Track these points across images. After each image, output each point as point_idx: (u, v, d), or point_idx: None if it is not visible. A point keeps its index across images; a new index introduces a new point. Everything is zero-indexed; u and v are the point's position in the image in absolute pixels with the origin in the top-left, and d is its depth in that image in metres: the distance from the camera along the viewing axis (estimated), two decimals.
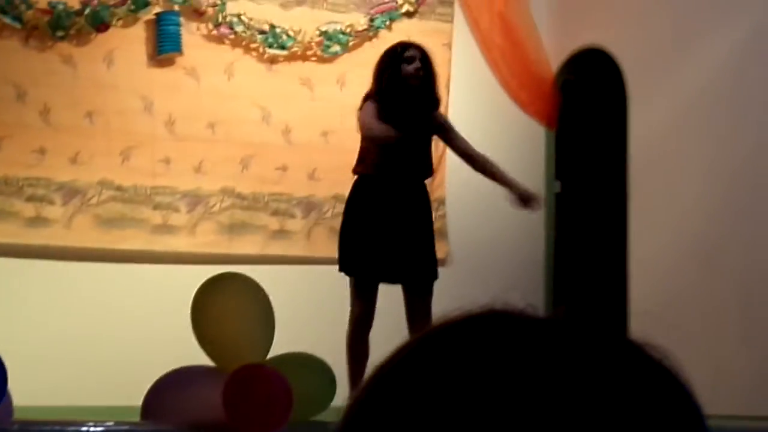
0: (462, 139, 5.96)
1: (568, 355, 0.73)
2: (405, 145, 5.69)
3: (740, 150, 6.93)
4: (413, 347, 0.76)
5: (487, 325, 0.75)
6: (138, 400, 4.65)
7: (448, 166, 7.85)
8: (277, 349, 4.59)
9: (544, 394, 0.71)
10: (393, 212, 5.66)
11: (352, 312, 5.70)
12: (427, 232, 5.77)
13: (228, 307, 4.38)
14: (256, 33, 7.49)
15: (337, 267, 7.47)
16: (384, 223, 5.64)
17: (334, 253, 7.59)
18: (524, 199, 5.87)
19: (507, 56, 7.81)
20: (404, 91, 5.70)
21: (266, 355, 4.38)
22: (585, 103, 8.10)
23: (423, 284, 5.73)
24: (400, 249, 5.64)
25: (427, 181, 7.85)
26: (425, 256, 5.75)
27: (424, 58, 5.80)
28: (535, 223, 7.85)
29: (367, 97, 5.83)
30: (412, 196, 5.75)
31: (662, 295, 7.23)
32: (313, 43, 7.64)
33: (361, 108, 5.81)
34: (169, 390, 4.47)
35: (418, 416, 0.72)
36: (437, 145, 7.78)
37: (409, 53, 5.78)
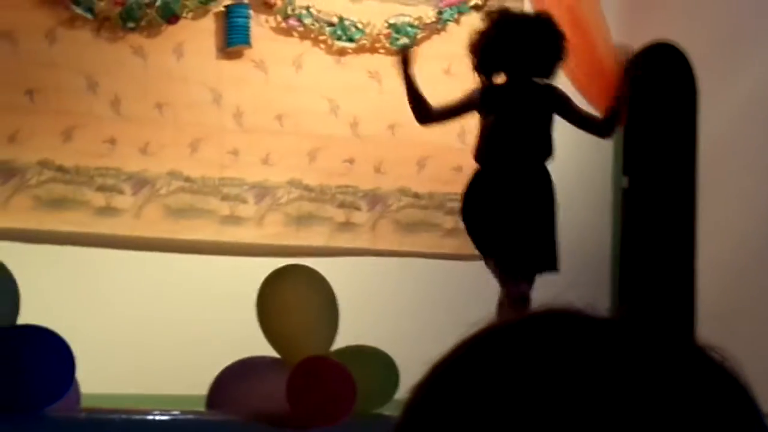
0: (582, 110, 5.77)
1: (625, 356, 0.73)
2: (520, 126, 5.54)
3: None
4: (471, 346, 0.77)
5: (545, 325, 0.76)
6: (203, 390, 4.69)
7: None
8: (341, 342, 4.61)
9: (600, 395, 0.71)
10: (516, 200, 5.50)
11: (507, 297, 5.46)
12: (549, 219, 5.57)
13: (293, 299, 4.41)
14: (325, 25, 7.51)
15: (402, 259, 7.51)
16: (504, 214, 5.47)
17: (399, 245, 7.62)
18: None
19: (576, 50, 7.74)
20: (522, 66, 5.53)
21: (330, 348, 4.40)
22: (654, 99, 8.03)
23: (539, 272, 5.53)
24: (524, 239, 5.47)
25: None
26: (549, 244, 5.56)
27: (540, 24, 5.65)
28: (602, 219, 7.81)
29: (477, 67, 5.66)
30: (532, 180, 5.57)
31: (731, 294, 7.16)
32: (381, 36, 7.65)
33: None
34: (234, 380, 4.50)
35: (474, 415, 0.73)
36: None
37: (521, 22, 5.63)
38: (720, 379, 0.75)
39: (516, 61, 5.58)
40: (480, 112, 5.75)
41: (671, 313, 6.76)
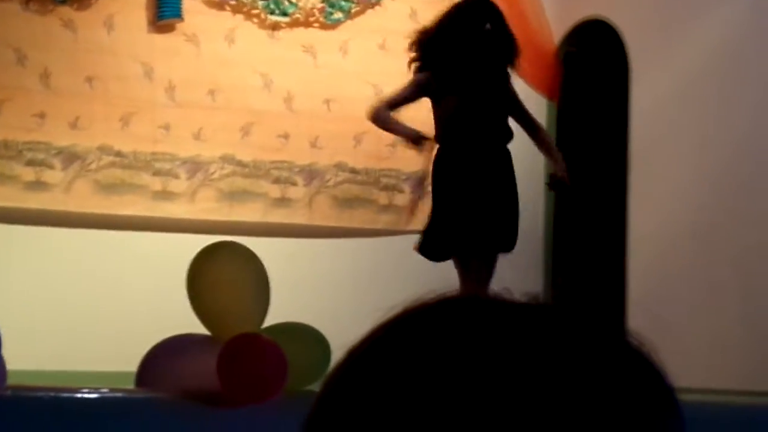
0: (528, 112, 5.86)
1: (538, 341, 0.73)
2: (480, 111, 5.57)
3: (741, 124, 6.91)
4: (385, 331, 0.76)
5: (459, 309, 0.75)
6: (133, 367, 4.65)
7: None
8: (274, 318, 4.59)
9: (511, 380, 0.71)
10: (479, 182, 5.54)
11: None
12: (512, 199, 5.64)
13: (223, 276, 4.38)
14: None
15: (337, 236, 7.48)
16: (473, 194, 5.51)
17: (336, 221, 7.62)
18: (555, 180, 5.83)
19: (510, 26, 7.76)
20: (476, 56, 5.57)
21: (261, 325, 4.38)
22: (587, 76, 8.07)
23: (499, 251, 5.60)
24: (490, 219, 5.52)
25: (426, 159, 7.86)
26: (511, 224, 5.62)
27: (495, 15, 5.67)
28: (534, 196, 7.84)
29: (420, 59, 5.68)
30: (496, 162, 5.62)
31: (661, 270, 7.23)
32: (315, 10, 7.61)
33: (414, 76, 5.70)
34: (164, 358, 4.47)
35: (388, 400, 0.72)
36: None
37: (482, 11, 5.64)
38: (633, 364, 0.75)
39: (481, 48, 5.59)
40: (434, 97, 5.74)
41: (604, 287, 6.85)
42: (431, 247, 5.69)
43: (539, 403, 0.70)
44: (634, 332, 0.78)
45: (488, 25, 5.61)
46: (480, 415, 0.70)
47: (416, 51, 5.76)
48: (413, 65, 5.78)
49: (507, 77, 5.76)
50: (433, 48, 5.69)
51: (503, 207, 5.60)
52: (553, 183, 5.87)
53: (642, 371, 0.75)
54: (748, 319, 6.76)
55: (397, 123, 5.77)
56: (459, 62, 5.59)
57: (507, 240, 5.62)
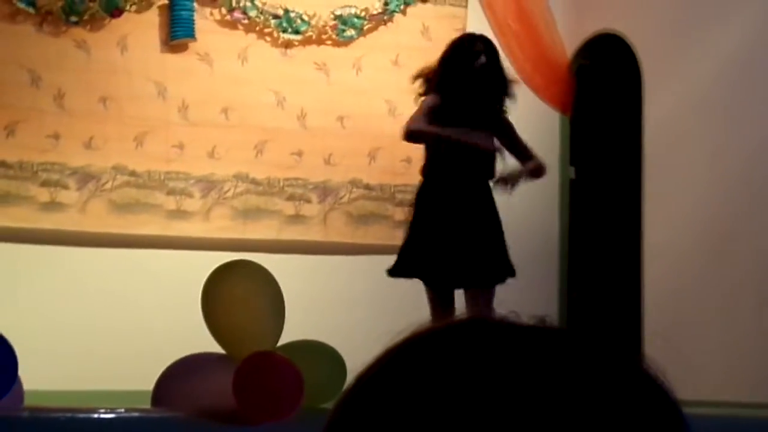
0: (521, 140, 5.86)
1: (544, 366, 0.73)
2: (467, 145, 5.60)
3: (755, 135, 6.89)
4: (393, 356, 0.76)
5: (466, 333, 0.75)
6: (149, 386, 4.66)
7: None
8: (289, 336, 4.59)
9: (519, 403, 0.71)
10: (460, 215, 5.56)
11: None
12: (497, 232, 5.64)
13: (238, 294, 4.38)
14: (270, 18, 7.48)
15: (352, 253, 7.48)
16: (452, 227, 5.53)
17: (350, 238, 7.61)
18: (533, 171, 5.79)
19: (522, 41, 7.78)
20: (470, 88, 5.61)
21: (277, 343, 4.38)
22: (600, 89, 8.07)
23: (490, 284, 5.61)
24: (471, 253, 5.53)
25: None
26: (498, 256, 5.62)
27: (490, 51, 5.72)
28: (549, 209, 7.84)
29: (428, 91, 5.74)
30: (476, 196, 5.64)
31: (677, 280, 7.21)
32: (327, 27, 7.62)
33: (422, 100, 5.72)
34: (180, 377, 4.47)
35: (398, 424, 0.72)
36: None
37: (476, 47, 5.70)
38: (644, 392, 0.75)
39: (480, 85, 5.62)
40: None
41: (617, 301, 6.82)
42: (398, 265, 5.70)
43: (544, 429, 0.70)
44: (648, 358, 0.78)
45: (482, 59, 5.62)
46: None
47: (421, 85, 5.80)
48: (420, 99, 5.81)
49: (500, 110, 5.75)
50: (434, 81, 5.72)
51: (482, 242, 5.60)
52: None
53: (653, 399, 0.75)
54: (763, 328, 6.74)
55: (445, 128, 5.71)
56: (453, 96, 5.61)
57: (487, 274, 5.61)
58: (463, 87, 5.62)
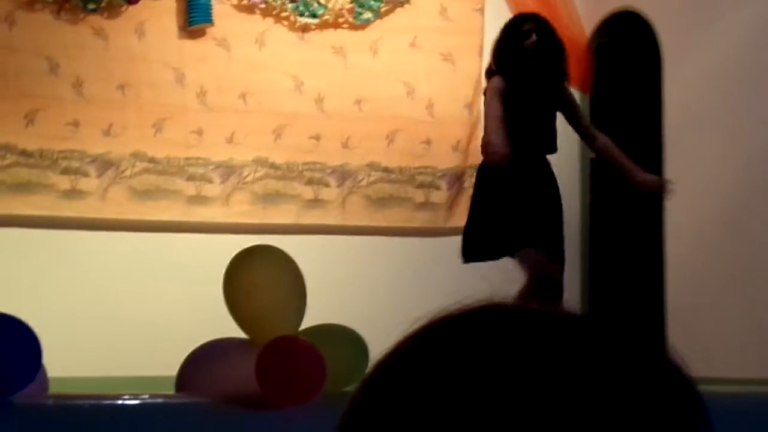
0: (585, 117, 5.90)
1: (563, 351, 0.72)
2: (532, 121, 5.61)
3: None
4: (411, 343, 0.77)
5: (484, 320, 0.75)
6: (173, 371, 4.67)
7: (482, 132, 7.82)
8: (311, 320, 4.60)
9: (535, 389, 0.71)
10: (525, 191, 5.56)
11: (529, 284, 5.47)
12: (557, 209, 5.68)
13: (259, 280, 4.38)
14: (287, 2, 7.47)
15: (372, 236, 7.47)
16: (518, 203, 5.53)
17: (369, 221, 7.61)
18: (650, 186, 5.82)
19: None
20: (525, 66, 5.61)
21: (299, 327, 4.38)
22: (619, 67, 8.03)
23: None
24: (537, 225, 5.54)
25: (459, 148, 7.84)
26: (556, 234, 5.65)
27: (543, 29, 5.69)
28: (570, 188, 7.81)
29: (491, 72, 5.73)
30: (540, 172, 5.66)
31: (698, 258, 7.19)
32: (344, 11, 7.61)
33: (488, 83, 5.72)
34: (203, 362, 4.48)
35: (417, 412, 0.72)
36: (471, 111, 7.78)
37: (525, 26, 5.69)
38: (663, 379, 0.74)
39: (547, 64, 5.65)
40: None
41: (640, 281, 6.81)
42: (470, 248, 5.69)
43: (564, 416, 0.70)
44: (670, 343, 0.78)
45: (533, 37, 5.61)
46: (507, 428, 0.70)
47: (492, 61, 5.81)
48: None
49: (562, 87, 5.76)
50: (492, 64, 5.76)
51: (548, 217, 5.62)
52: (647, 187, 5.81)
53: (673, 386, 0.74)
54: None
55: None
56: (513, 77, 5.61)
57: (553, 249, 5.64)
58: (518, 68, 5.61)
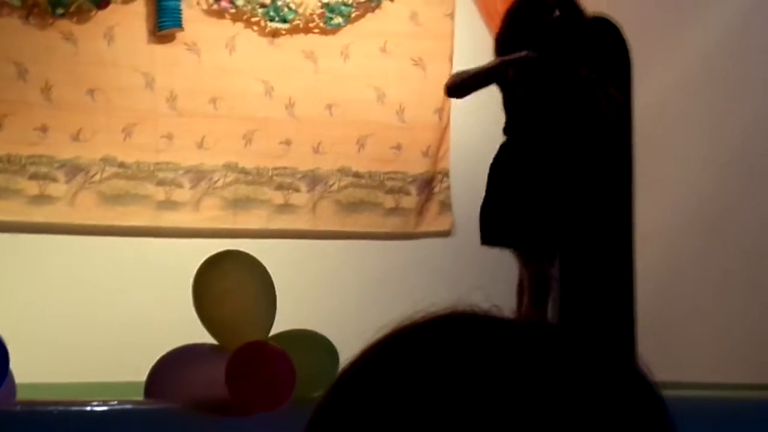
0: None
1: (527, 361, 0.72)
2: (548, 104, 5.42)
3: (745, 116, 6.90)
4: (375, 351, 0.77)
5: (449, 328, 0.75)
6: (141, 377, 4.65)
7: (453, 137, 7.84)
8: (281, 325, 4.59)
9: (496, 398, 0.71)
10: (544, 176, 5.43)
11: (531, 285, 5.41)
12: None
13: (228, 285, 4.37)
14: (257, 6, 7.46)
15: (343, 240, 7.47)
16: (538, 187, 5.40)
17: (340, 226, 7.61)
18: None
19: None
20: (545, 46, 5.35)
21: (269, 333, 4.38)
22: (590, 71, 8.04)
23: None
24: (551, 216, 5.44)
25: (430, 153, 7.84)
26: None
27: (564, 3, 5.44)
28: None
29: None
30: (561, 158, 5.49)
31: (670, 265, 7.22)
32: (315, 16, 7.61)
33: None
34: (173, 368, 4.47)
35: (379, 421, 0.72)
36: (441, 116, 7.78)
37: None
38: (628, 389, 0.74)
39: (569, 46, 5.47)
40: (507, 86, 5.52)
41: (611, 281, 6.81)
42: (488, 230, 5.48)
43: (525, 424, 0.70)
44: (638, 352, 0.77)
45: (556, 12, 5.41)
46: None
47: (496, 51, 5.60)
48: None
49: (580, 63, 5.53)
50: (507, 45, 5.47)
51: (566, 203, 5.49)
52: None
53: (638, 397, 0.74)
54: (756, 310, 6.75)
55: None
56: (531, 57, 5.37)
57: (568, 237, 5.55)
58: (536, 48, 5.35)
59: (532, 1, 5.49)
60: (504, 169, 5.48)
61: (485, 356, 0.72)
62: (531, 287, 5.38)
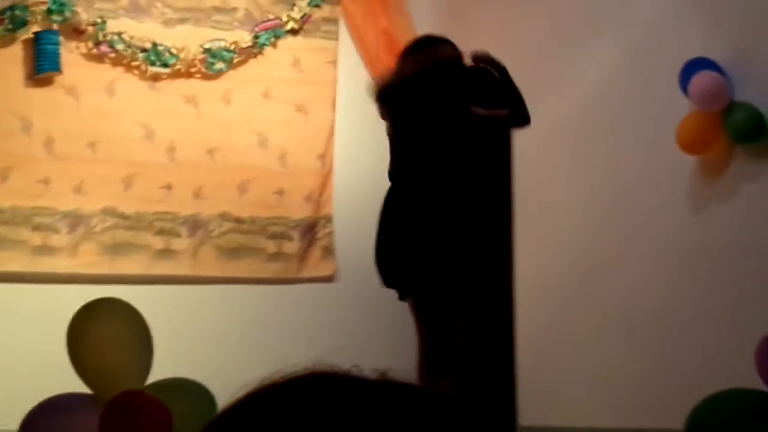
0: None
1: (386, 419, 0.72)
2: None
3: (624, 165, 7.01)
4: (232, 412, 0.76)
5: (307, 389, 0.75)
6: (13, 427, 4.55)
7: (336, 182, 7.85)
8: (160, 373, 4.53)
9: None
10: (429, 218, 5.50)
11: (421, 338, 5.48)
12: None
13: (103, 333, 4.32)
14: (138, 51, 7.40)
15: (223, 286, 7.42)
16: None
17: (221, 271, 7.55)
18: None
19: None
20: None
21: (144, 381, 4.32)
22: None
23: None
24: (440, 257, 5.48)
25: (312, 199, 7.84)
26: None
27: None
28: None
29: None
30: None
31: (549, 309, 7.29)
32: (196, 61, 7.57)
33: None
34: (45, 418, 4.38)
35: None
36: (324, 162, 7.79)
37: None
38: None
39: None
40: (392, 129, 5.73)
41: (490, 335, 6.82)
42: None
43: None
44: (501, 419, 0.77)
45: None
46: None
47: (381, 105, 5.73)
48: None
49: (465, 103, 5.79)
50: (398, 101, 5.64)
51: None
52: None
53: None
54: (634, 354, 6.84)
55: None
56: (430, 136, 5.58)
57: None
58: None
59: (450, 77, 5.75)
60: (389, 214, 5.56)
61: (339, 419, 0.72)
62: (420, 345, 5.44)
